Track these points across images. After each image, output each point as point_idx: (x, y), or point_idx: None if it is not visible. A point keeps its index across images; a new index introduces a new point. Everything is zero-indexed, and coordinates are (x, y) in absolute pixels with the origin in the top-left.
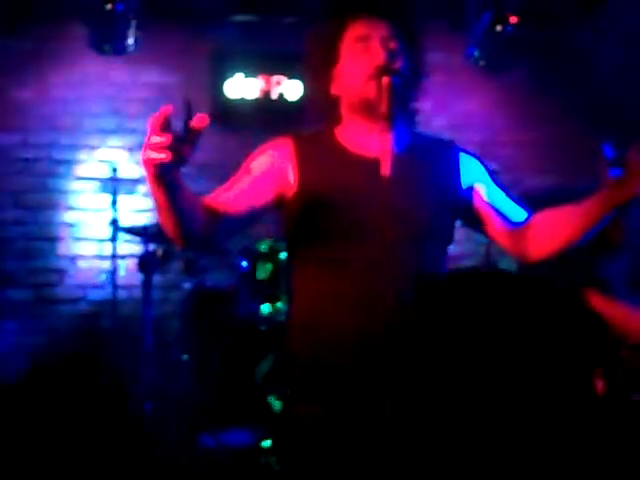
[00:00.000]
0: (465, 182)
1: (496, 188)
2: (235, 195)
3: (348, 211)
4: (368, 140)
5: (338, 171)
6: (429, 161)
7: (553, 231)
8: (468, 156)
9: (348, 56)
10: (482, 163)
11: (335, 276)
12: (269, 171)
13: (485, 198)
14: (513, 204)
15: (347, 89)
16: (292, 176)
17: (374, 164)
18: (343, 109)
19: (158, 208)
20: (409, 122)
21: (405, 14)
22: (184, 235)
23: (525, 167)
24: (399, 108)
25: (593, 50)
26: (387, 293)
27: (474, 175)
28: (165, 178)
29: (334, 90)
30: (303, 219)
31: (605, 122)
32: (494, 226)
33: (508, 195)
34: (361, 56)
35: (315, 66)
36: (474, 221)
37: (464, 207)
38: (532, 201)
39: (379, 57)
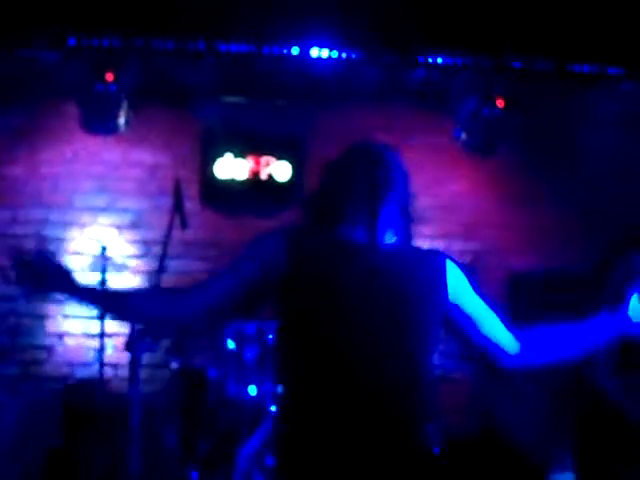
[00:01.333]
0: (450, 290)
1: (479, 302)
2: (215, 280)
3: (335, 297)
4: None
5: (328, 256)
6: (418, 262)
7: (546, 350)
8: (454, 265)
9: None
10: (466, 274)
11: (322, 361)
12: (257, 258)
13: (467, 312)
14: (496, 319)
15: None
16: (282, 261)
17: (363, 252)
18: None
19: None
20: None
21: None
22: (136, 319)
23: (510, 248)
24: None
25: (578, 133)
26: (374, 381)
27: (459, 285)
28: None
29: None
30: (292, 304)
31: (590, 205)
32: (471, 341)
33: (490, 307)
34: None
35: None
36: (453, 331)
37: (447, 314)
38: (517, 282)
39: None
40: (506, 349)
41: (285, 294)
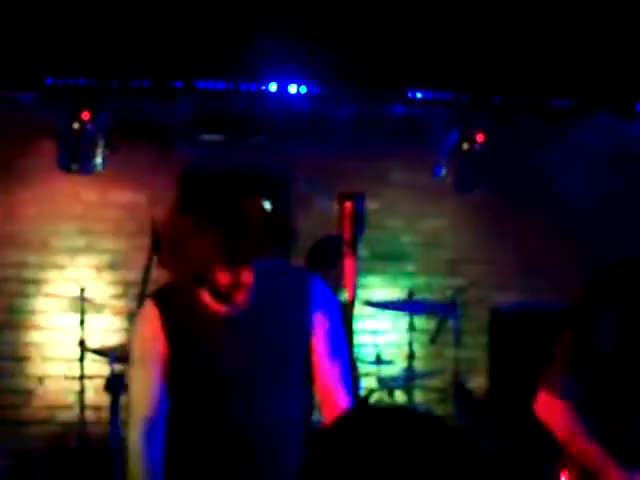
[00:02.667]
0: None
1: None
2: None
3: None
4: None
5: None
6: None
7: None
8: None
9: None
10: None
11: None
12: (153, 358)
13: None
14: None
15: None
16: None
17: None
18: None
19: None
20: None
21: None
22: None
23: (492, 284)
24: None
25: (559, 167)
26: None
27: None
28: None
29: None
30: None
31: (573, 239)
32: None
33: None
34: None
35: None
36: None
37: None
38: (498, 318)
39: None
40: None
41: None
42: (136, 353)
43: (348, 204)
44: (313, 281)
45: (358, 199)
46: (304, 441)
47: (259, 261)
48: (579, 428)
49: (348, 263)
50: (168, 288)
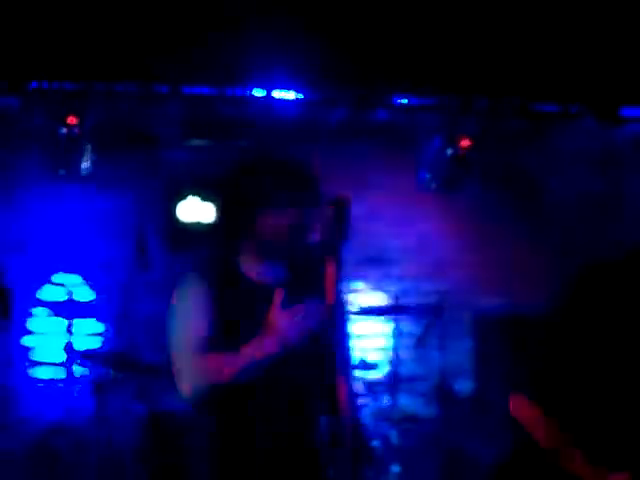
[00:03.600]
0: None
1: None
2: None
3: None
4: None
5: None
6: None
7: None
8: None
9: (263, 218)
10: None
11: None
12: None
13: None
14: None
15: (258, 241)
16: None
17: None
18: (246, 248)
19: (254, 369)
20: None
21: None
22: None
23: (477, 288)
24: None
25: (544, 170)
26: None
27: None
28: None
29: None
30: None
31: (558, 243)
32: None
33: None
34: (274, 219)
35: (232, 214)
36: None
37: None
38: (483, 322)
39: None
40: None
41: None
42: (182, 311)
43: (331, 208)
44: None
45: (343, 204)
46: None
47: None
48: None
49: (330, 268)
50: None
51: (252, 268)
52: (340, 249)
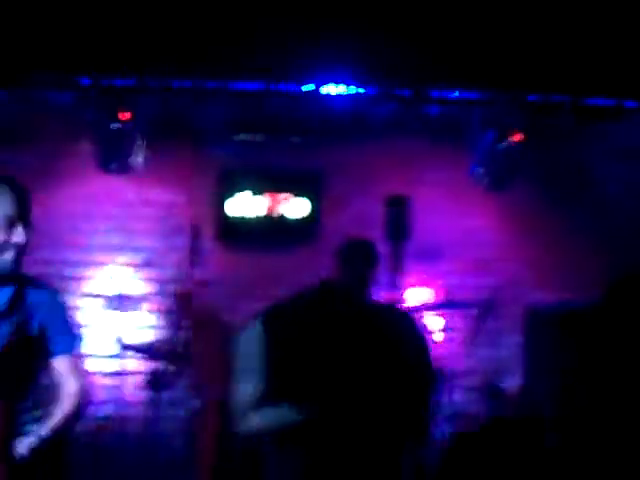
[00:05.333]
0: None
1: None
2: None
3: None
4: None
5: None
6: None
7: None
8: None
9: None
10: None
11: None
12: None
13: None
14: None
15: None
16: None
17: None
18: None
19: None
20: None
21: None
22: None
23: (527, 283)
24: None
25: (595, 166)
26: None
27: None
28: None
29: None
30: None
31: (608, 238)
32: None
33: None
34: None
35: None
36: None
37: None
38: (534, 317)
39: None
40: None
41: None
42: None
43: (393, 208)
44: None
45: (404, 203)
46: None
47: None
48: None
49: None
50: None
51: None
52: (402, 248)
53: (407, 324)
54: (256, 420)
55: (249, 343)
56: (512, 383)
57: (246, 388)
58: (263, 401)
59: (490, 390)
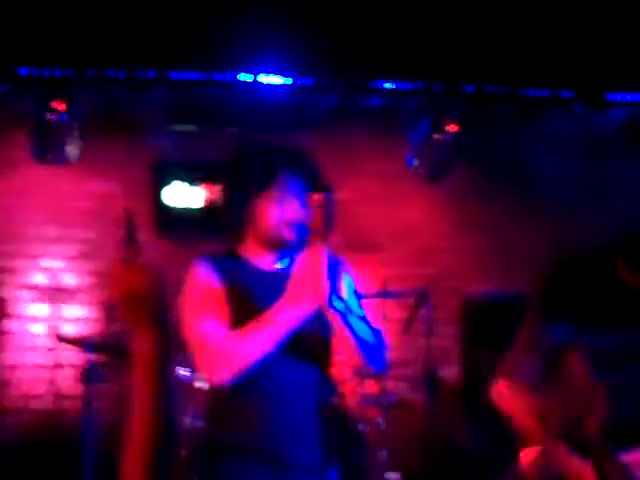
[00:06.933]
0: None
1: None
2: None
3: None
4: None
5: (255, 286)
6: None
7: None
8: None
9: (267, 203)
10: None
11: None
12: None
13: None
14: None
15: (262, 229)
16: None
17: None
18: (250, 236)
19: (278, 339)
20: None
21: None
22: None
23: (465, 273)
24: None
25: (532, 156)
26: None
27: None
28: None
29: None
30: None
31: (545, 228)
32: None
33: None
34: (278, 206)
35: (236, 197)
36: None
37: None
38: (471, 307)
39: (294, 209)
40: None
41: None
42: (195, 301)
43: (317, 196)
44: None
45: (327, 190)
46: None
47: None
48: (524, 407)
49: (320, 252)
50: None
51: (258, 256)
52: (327, 236)
53: None
54: (246, 341)
55: (205, 279)
56: (449, 373)
57: (214, 325)
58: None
59: (427, 380)
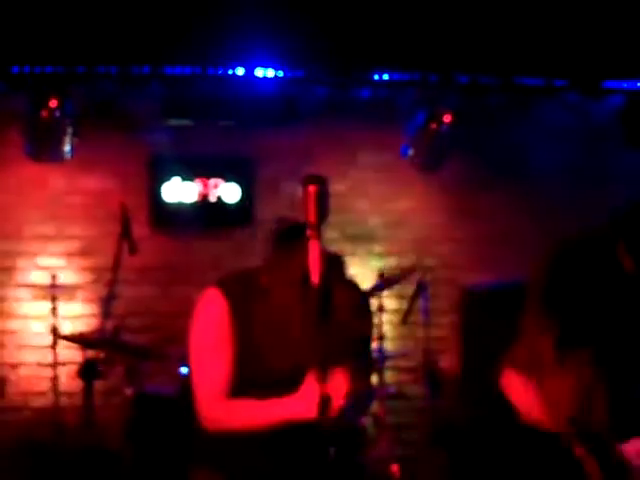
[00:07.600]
0: None
1: None
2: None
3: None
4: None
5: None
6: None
7: None
8: None
9: None
10: None
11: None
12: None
13: None
14: None
15: None
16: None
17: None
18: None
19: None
20: None
21: None
22: None
23: (462, 264)
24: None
25: (526, 144)
26: None
27: None
28: None
29: None
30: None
31: (542, 217)
32: None
33: None
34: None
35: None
36: None
37: None
38: (470, 297)
39: None
40: None
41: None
42: (204, 338)
43: (311, 187)
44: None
45: (321, 182)
46: None
47: None
48: (538, 400)
49: (313, 246)
50: (231, 276)
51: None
52: (320, 228)
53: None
54: (229, 414)
55: (212, 312)
56: (449, 363)
57: (213, 370)
58: (236, 386)
59: (426, 370)
